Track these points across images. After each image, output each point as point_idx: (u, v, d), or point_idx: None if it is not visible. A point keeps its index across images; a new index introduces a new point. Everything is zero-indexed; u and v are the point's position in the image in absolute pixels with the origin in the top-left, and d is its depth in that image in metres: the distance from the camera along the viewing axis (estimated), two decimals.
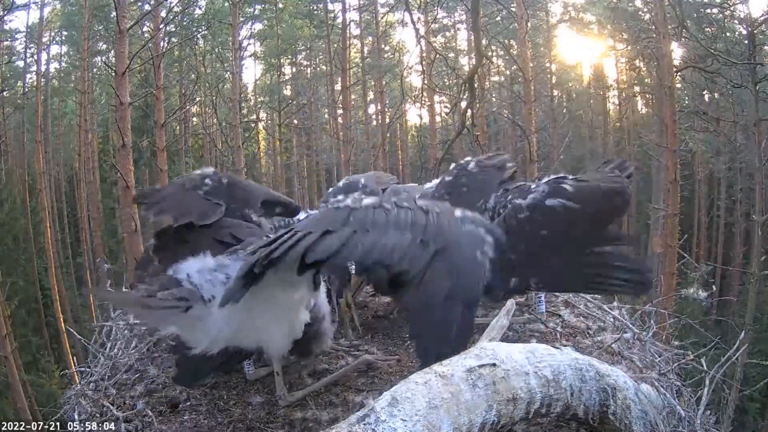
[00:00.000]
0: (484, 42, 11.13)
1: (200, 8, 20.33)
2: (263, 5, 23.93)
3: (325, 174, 25.50)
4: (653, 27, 14.65)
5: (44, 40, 21.65)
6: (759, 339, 13.53)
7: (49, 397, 13.97)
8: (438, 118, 25.25)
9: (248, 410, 2.73)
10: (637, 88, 25.35)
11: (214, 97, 19.05)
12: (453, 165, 3.58)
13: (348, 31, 21.71)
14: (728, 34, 14.65)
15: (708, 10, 15.91)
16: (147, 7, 17.83)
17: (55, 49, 24.06)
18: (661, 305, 4.21)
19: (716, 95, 18.39)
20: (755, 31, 11.50)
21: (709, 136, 17.73)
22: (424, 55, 14.40)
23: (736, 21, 14.91)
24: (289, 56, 26.08)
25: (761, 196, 11.05)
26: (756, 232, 11.54)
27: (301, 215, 3.26)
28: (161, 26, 15.72)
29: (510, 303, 3.22)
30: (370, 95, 25.76)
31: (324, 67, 25.62)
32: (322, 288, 2.77)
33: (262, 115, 27.85)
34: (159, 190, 3.69)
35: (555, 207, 2.83)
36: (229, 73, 16.81)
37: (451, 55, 24.98)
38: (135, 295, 2.33)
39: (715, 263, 17.98)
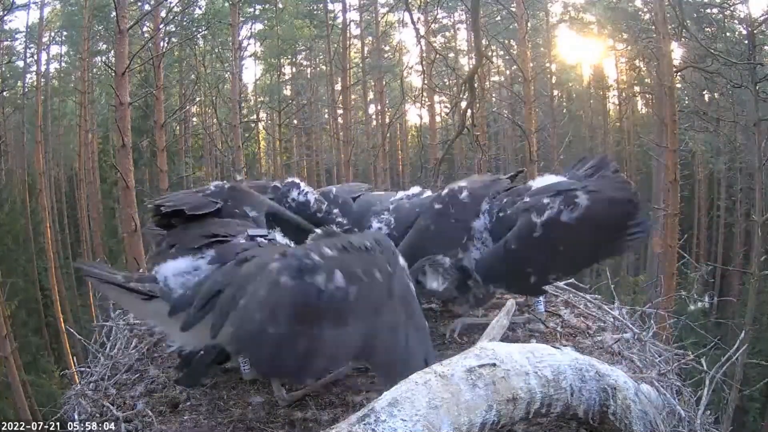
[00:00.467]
0: (484, 42, 11.15)
1: (200, 8, 20.35)
2: (263, 5, 23.92)
3: (325, 174, 25.49)
4: (653, 27, 14.66)
5: (44, 40, 21.69)
6: (759, 339, 13.54)
7: (49, 397, 13.95)
8: (438, 118, 25.32)
9: (248, 410, 2.72)
10: (637, 88, 25.37)
11: (214, 98, 19.03)
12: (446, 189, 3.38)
13: (348, 31, 21.74)
14: (728, 34, 14.68)
15: (708, 10, 15.95)
16: (147, 7, 17.86)
17: (55, 49, 24.17)
18: (661, 306, 4.21)
19: (716, 95, 18.40)
20: (755, 31, 11.51)
21: (709, 136, 17.73)
22: (424, 55, 14.39)
23: (735, 21, 14.97)
24: (289, 56, 26.10)
25: (761, 196, 11.04)
26: (756, 232, 11.53)
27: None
28: (161, 26, 15.73)
29: (510, 303, 3.23)
30: (370, 95, 25.79)
31: (324, 67, 25.62)
32: None
33: (262, 115, 27.89)
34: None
35: (570, 223, 2.88)
36: (229, 73, 16.78)
37: (451, 55, 25.01)
38: (113, 275, 2.40)
39: (715, 263, 18.02)
